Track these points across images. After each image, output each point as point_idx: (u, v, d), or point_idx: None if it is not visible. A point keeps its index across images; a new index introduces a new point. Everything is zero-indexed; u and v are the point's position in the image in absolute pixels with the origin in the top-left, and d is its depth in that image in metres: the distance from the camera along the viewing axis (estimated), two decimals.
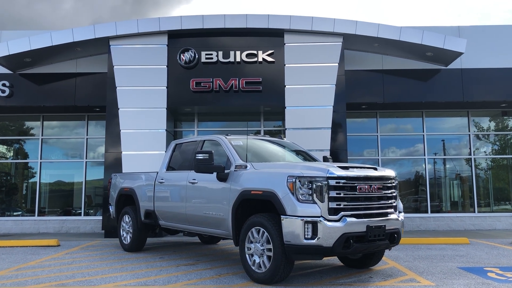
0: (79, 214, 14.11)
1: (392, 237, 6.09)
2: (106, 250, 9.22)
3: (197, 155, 6.69)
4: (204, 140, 7.72)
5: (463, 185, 14.65)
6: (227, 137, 7.32)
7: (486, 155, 14.69)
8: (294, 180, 5.57)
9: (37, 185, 14.23)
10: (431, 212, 13.98)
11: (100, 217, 13.03)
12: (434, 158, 14.54)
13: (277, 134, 13.71)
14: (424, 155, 14.28)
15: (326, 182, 5.54)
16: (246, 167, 6.44)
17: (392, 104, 13.43)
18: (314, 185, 5.52)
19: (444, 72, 13.10)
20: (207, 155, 6.60)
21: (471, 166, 14.30)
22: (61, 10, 75.26)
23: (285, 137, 11.89)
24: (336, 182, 5.60)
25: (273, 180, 5.84)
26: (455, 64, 12.94)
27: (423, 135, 14.31)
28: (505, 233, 12.24)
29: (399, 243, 6.28)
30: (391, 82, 13.14)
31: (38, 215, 14.09)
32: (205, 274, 6.56)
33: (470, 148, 14.35)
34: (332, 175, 5.59)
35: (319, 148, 11.66)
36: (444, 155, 14.63)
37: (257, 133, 13.63)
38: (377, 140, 14.34)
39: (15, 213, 14.39)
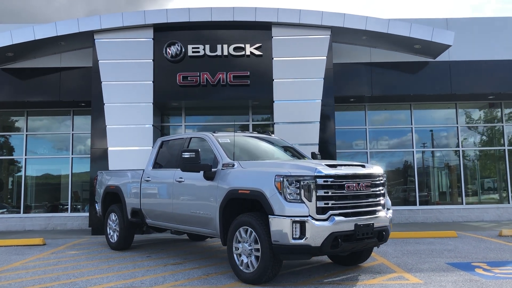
0: (66, 210, 13.93)
1: (381, 235, 6.05)
2: (93, 249, 9.10)
3: (183, 153, 6.58)
4: (191, 138, 7.60)
5: (451, 176, 14.72)
6: (214, 134, 7.21)
7: (474, 146, 14.73)
8: (281, 179, 5.49)
9: (22, 182, 13.99)
10: (420, 203, 14.02)
11: (87, 214, 12.87)
12: (422, 151, 14.56)
13: (265, 128, 13.65)
14: (413, 148, 14.28)
15: (314, 181, 5.47)
16: (233, 165, 6.34)
17: (380, 97, 13.39)
18: (301, 184, 5.45)
19: (432, 65, 13.08)
20: (194, 153, 6.49)
21: (459, 158, 14.35)
22: (56, 2, 74.07)
23: (273, 131, 11.85)
24: (324, 181, 5.53)
25: (260, 179, 5.76)
26: (443, 57, 12.92)
27: (412, 127, 14.31)
28: (492, 225, 12.33)
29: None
30: (379, 75, 13.08)
31: (24, 212, 13.88)
32: (192, 274, 6.48)
33: (458, 140, 14.39)
34: (320, 174, 5.52)
35: (308, 142, 11.60)
36: (433, 147, 14.66)
37: (244, 129, 13.54)
38: (365, 132, 14.30)
39: (0, 210, 14.16)
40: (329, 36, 12.04)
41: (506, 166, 14.38)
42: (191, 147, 7.41)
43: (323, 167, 5.65)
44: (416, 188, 14.07)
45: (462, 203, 14.11)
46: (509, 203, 14.18)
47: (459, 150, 14.35)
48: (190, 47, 12.07)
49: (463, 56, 13.09)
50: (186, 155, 6.53)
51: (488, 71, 13.06)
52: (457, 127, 14.41)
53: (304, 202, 5.43)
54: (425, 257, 7.53)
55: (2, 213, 14.08)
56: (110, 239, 9.04)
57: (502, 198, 14.49)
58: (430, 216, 13.70)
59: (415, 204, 14.04)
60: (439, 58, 12.96)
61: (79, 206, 14.08)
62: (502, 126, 14.50)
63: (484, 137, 14.93)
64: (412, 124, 14.31)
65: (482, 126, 14.86)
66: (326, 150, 11.74)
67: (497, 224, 12.48)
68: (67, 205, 13.92)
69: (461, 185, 14.20)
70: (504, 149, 14.42)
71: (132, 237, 8.97)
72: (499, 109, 14.56)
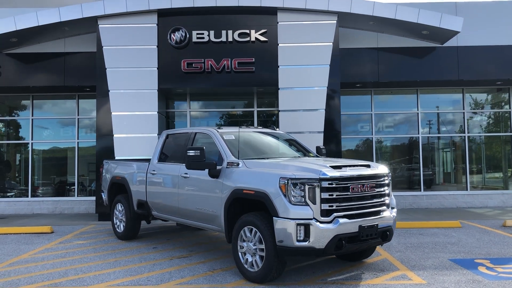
0: (73, 191, 14.08)
1: (385, 235, 6.09)
2: (100, 239, 9.23)
3: (188, 151, 6.58)
4: (196, 133, 7.60)
5: (456, 161, 14.70)
6: (219, 130, 7.20)
7: (480, 132, 14.66)
8: (286, 181, 5.51)
9: (29, 166, 14.12)
10: (424, 190, 14.05)
11: (94, 198, 13.01)
12: (428, 136, 14.51)
13: (270, 116, 13.62)
14: (418, 133, 14.23)
15: (318, 183, 5.49)
16: (238, 164, 6.36)
17: (386, 83, 13.28)
18: (306, 187, 5.47)
19: (440, 50, 12.91)
20: (199, 151, 6.50)
21: (465, 143, 14.29)
22: None
23: (278, 120, 11.82)
24: (329, 184, 5.54)
25: (265, 180, 5.78)
26: (451, 42, 12.73)
27: (418, 113, 14.22)
28: (496, 212, 12.37)
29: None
30: (386, 60, 12.94)
31: (31, 196, 14.05)
32: (198, 270, 6.58)
33: (464, 125, 14.31)
34: (325, 177, 5.53)
35: (313, 130, 11.60)
36: (438, 132, 14.60)
37: (248, 116, 13.50)
38: (371, 118, 14.24)
39: (8, 194, 14.33)
40: (335, 21, 11.85)
41: None
42: (195, 143, 7.43)
43: (327, 169, 5.65)
44: (420, 173, 14.08)
45: (466, 189, 14.12)
46: None
47: (465, 136, 14.28)
48: (194, 33, 11.93)
49: (472, 41, 12.89)
50: (191, 153, 6.54)
51: (497, 57, 12.88)
52: (464, 112, 14.30)
53: (308, 205, 5.46)
54: (429, 251, 7.59)
55: (11, 196, 14.27)
56: (117, 229, 9.16)
57: (508, 184, 14.47)
58: (434, 201, 13.74)
59: (420, 190, 14.07)
60: (447, 44, 12.78)
61: (88, 186, 14.21)
62: (510, 111, 14.37)
63: (490, 123, 14.84)
64: (418, 110, 14.22)
65: (489, 112, 14.74)
66: (331, 138, 11.72)
67: (502, 212, 12.52)
68: (74, 186, 14.06)
69: (466, 171, 14.19)
70: (511, 135, 14.32)
71: (139, 227, 9.08)
72: (507, 94, 14.40)
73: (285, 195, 5.51)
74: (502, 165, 14.73)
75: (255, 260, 5.87)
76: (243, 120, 14.21)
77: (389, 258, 7.16)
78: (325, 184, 5.51)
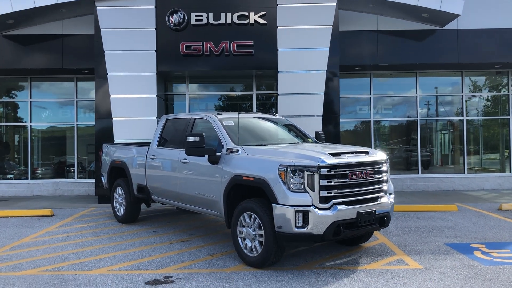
0: (72, 172, 14.15)
1: (382, 220, 6.17)
2: (100, 222, 9.32)
3: (188, 137, 6.61)
4: (195, 118, 7.61)
5: (454, 144, 14.77)
6: (219, 116, 7.21)
7: (478, 115, 14.69)
8: (285, 169, 5.56)
9: (28, 148, 14.15)
10: (422, 172, 14.14)
11: (93, 180, 13.09)
12: (426, 119, 14.53)
13: (269, 99, 13.60)
14: (417, 116, 14.26)
15: (317, 171, 5.54)
16: (237, 151, 6.40)
17: (386, 66, 13.24)
18: (305, 174, 5.53)
19: (440, 33, 12.83)
20: (198, 138, 6.51)
21: (463, 126, 14.32)
22: None
23: (277, 103, 11.82)
24: (328, 171, 5.59)
25: (264, 167, 5.83)
26: (451, 25, 12.67)
27: (416, 96, 14.22)
28: (493, 195, 12.48)
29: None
30: (386, 43, 12.88)
31: (31, 178, 14.11)
32: (198, 254, 6.67)
33: (462, 109, 14.33)
34: (324, 164, 5.58)
35: (312, 113, 11.62)
36: (437, 115, 14.63)
37: (247, 99, 13.48)
38: (370, 100, 14.24)
39: (8, 176, 14.39)
40: (335, 3, 11.74)
41: (510, 135, 14.37)
42: (195, 128, 7.45)
43: (326, 157, 5.69)
44: (418, 155, 14.15)
45: (464, 172, 14.22)
46: (510, 172, 14.29)
47: (463, 119, 14.31)
48: (193, 15, 11.82)
49: (472, 24, 12.81)
50: (191, 139, 6.56)
51: (497, 40, 12.84)
52: (462, 95, 14.30)
53: (307, 192, 5.52)
54: (425, 236, 7.69)
55: (11, 178, 14.32)
56: (117, 212, 9.24)
57: (504, 166, 14.58)
58: (432, 184, 13.86)
59: (417, 172, 14.17)
60: (447, 27, 12.70)
61: (87, 167, 14.28)
62: (508, 95, 14.38)
63: (489, 106, 14.86)
64: (417, 93, 14.22)
65: (488, 95, 14.75)
66: (330, 121, 11.75)
67: (498, 194, 12.64)
68: (73, 167, 14.11)
69: (463, 154, 14.27)
70: (509, 118, 14.36)
71: (139, 211, 9.17)
72: (505, 77, 14.39)
73: (284, 182, 5.56)
74: (500, 147, 14.80)
75: (255, 245, 5.96)
76: (242, 103, 14.20)
77: (386, 242, 7.27)
78: (324, 171, 5.56)
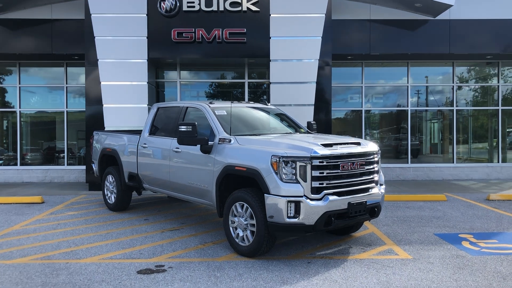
0: (63, 159, 14.07)
1: (373, 211, 6.25)
2: (91, 210, 9.29)
3: (180, 126, 6.58)
4: (187, 107, 7.58)
5: (444, 134, 14.90)
6: (211, 105, 7.19)
7: (468, 106, 14.80)
8: (277, 159, 5.57)
9: (17, 134, 14.01)
10: (412, 162, 14.27)
11: (84, 167, 13.03)
12: (416, 109, 14.62)
13: (261, 86, 13.56)
14: (408, 106, 14.33)
15: (309, 161, 5.56)
16: (230, 141, 6.39)
17: (378, 55, 13.25)
18: (297, 165, 5.55)
19: (432, 23, 12.85)
20: (190, 127, 6.50)
21: (453, 116, 14.44)
22: None
23: (269, 92, 11.79)
24: (320, 162, 5.62)
25: (257, 158, 5.84)
26: (443, 15, 12.68)
27: (408, 86, 14.28)
28: (481, 185, 12.65)
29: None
30: (378, 32, 12.87)
31: (20, 164, 14.00)
32: (189, 243, 6.70)
33: (453, 99, 14.42)
34: (316, 155, 5.60)
35: (304, 103, 11.63)
36: (427, 105, 14.72)
37: (238, 87, 13.43)
38: (361, 90, 14.27)
39: None
40: None
41: (498, 126, 14.52)
42: (187, 118, 7.42)
43: (319, 148, 5.72)
44: (408, 144, 14.25)
45: (453, 161, 14.37)
46: (498, 162, 14.47)
47: (453, 109, 14.41)
48: (185, 1, 11.69)
49: (464, 15, 12.84)
50: (183, 128, 6.54)
51: (488, 31, 12.89)
52: (453, 86, 14.39)
53: (299, 182, 5.55)
54: (415, 225, 7.79)
55: (0, 164, 14.19)
56: (108, 200, 9.22)
57: (492, 157, 14.75)
58: (421, 174, 13.99)
59: (407, 161, 14.29)
60: (439, 17, 12.72)
61: (78, 153, 14.21)
62: (498, 85, 14.49)
63: (478, 97, 14.97)
64: (408, 82, 14.27)
65: (478, 86, 14.86)
66: (322, 110, 11.78)
67: (486, 184, 12.82)
68: (63, 153, 14.01)
69: (453, 143, 14.40)
70: (498, 109, 14.49)
71: (130, 199, 9.14)
72: (496, 68, 14.49)
73: (276, 173, 5.58)
74: (488, 137, 14.96)
75: (246, 235, 5.99)
76: (234, 90, 14.15)
77: (376, 232, 7.35)
78: (316, 162, 5.59)
